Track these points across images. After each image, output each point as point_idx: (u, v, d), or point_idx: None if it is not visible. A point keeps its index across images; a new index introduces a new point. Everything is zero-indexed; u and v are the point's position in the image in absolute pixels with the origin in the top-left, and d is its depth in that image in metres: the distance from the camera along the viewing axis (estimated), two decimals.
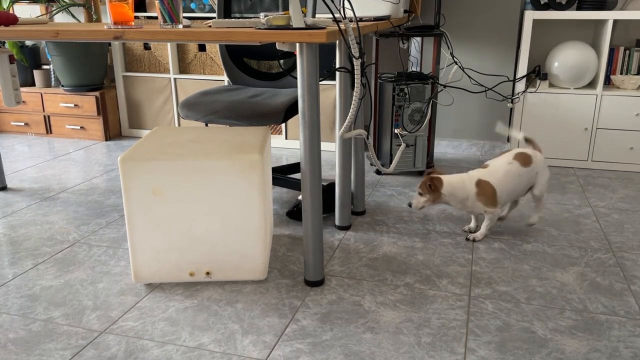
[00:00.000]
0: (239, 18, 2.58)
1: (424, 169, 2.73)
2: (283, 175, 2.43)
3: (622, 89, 2.78)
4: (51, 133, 3.58)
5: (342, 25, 1.50)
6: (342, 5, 1.62)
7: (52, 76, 3.60)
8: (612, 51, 2.85)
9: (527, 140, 2.07)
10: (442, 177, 1.90)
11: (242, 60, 2.56)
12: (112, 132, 3.54)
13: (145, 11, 3.32)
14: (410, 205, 1.90)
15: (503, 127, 2.09)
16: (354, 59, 1.57)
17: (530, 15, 2.70)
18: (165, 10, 1.62)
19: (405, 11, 2.52)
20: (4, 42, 2.46)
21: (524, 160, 1.96)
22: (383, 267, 1.80)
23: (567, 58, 2.74)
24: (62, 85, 3.43)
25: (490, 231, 2.02)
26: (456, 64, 2.86)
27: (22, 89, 3.55)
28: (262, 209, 1.63)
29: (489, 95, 3.04)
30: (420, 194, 1.91)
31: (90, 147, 3.35)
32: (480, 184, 1.90)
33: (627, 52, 2.83)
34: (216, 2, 2.63)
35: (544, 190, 2.01)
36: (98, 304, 1.59)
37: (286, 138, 3.29)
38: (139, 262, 1.65)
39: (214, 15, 3.15)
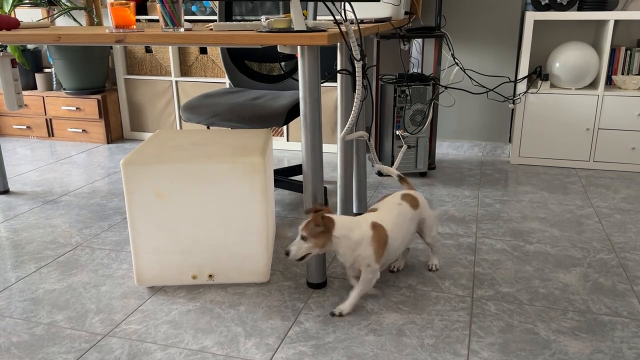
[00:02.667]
0: (240, 21, 2.58)
1: (425, 170, 2.73)
2: (285, 177, 2.43)
3: (624, 89, 2.77)
4: (53, 136, 3.59)
5: (343, 28, 1.50)
6: (343, 7, 1.62)
7: (54, 79, 3.60)
8: (614, 51, 2.84)
9: (401, 179, 1.77)
10: (334, 215, 1.50)
11: (243, 62, 2.56)
12: (114, 135, 3.55)
13: (147, 14, 3.33)
14: (287, 253, 1.45)
15: (383, 165, 1.79)
16: (355, 61, 1.57)
17: (531, 16, 2.70)
18: (166, 14, 1.62)
19: (406, 13, 2.52)
20: (5, 46, 2.47)
21: (412, 201, 1.67)
22: (385, 269, 1.80)
23: (568, 58, 2.74)
24: (64, 89, 3.44)
25: (361, 298, 1.58)
26: (457, 65, 2.86)
27: (24, 93, 3.55)
28: (264, 211, 1.63)
29: (490, 96, 3.04)
30: (304, 238, 1.45)
31: (92, 150, 3.35)
32: (376, 227, 1.53)
33: (629, 52, 2.83)
34: (217, 5, 2.63)
35: (435, 234, 1.76)
36: (101, 307, 1.59)
37: (288, 140, 3.29)
38: (142, 265, 1.66)
39: (215, 18, 3.16)
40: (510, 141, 3.08)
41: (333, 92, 3.09)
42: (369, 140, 1.97)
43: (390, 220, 1.57)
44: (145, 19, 3.32)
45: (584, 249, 1.94)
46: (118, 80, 3.49)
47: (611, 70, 2.88)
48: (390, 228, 1.56)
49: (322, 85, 3.09)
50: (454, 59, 2.77)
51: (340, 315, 1.53)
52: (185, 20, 3.19)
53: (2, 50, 2.34)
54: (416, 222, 1.69)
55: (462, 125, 3.13)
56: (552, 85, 2.88)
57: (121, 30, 1.61)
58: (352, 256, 1.50)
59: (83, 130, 3.51)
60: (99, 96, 3.40)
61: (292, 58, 2.52)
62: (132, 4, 1.65)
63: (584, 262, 1.83)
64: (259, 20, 2.50)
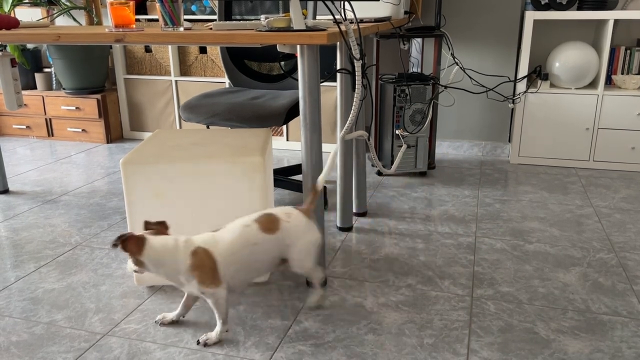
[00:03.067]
0: (239, 20, 2.58)
1: (425, 170, 2.72)
2: (284, 176, 2.43)
3: (624, 89, 2.77)
4: (53, 136, 3.59)
5: (342, 27, 1.50)
6: (342, 6, 1.62)
7: (54, 79, 3.60)
8: (613, 51, 2.84)
9: (314, 189, 1.54)
10: (149, 238, 1.34)
11: (243, 62, 2.56)
12: (114, 135, 3.55)
13: (146, 14, 3.33)
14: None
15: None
16: (354, 61, 1.57)
17: (531, 16, 2.70)
18: (166, 13, 1.62)
19: (405, 12, 2.52)
20: (5, 46, 2.47)
21: (268, 224, 1.42)
22: (385, 268, 1.80)
23: (568, 58, 2.74)
24: (64, 88, 3.44)
25: (224, 323, 1.41)
26: (457, 64, 2.86)
27: (24, 92, 3.55)
28: None
29: (490, 95, 3.03)
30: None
31: (91, 149, 3.35)
32: (197, 253, 1.35)
33: (628, 51, 2.83)
34: (217, 5, 2.63)
35: (308, 265, 1.47)
36: (100, 306, 1.59)
37: (287, 140, 3.29)
38: None
39: (215, 17, 3.16)
40: (510, 141, 3.08)
41: (333, 91, 3.09)
42: (369, 140, 1.97)
43: (225, 242, 1.38)
44: (145, 19, 3.32)
45: (583, 248, 1.94)
46: (118, 80, 3.49)
47: (611, 70, 2.88)
48: (222, 251, 1.37)
49: (321, 84, 3.09)
50: (454, 59, 2.77)
51: (205, 345, 1.39)
52: (185, 20, 3.18)
53: (1, 50, 2.33)
54: (274, 247, 1.43)
55: (462, 125, 3.13)
56: (552, 85, 2.88)
57: (121, 30, 1.61)
58: (178, 285, 1.38)
59: (83, 130, 3.51)
60: (98, 96, 3.40)
61: (292, 57, 2.52)
62: (131, 3, 1.65)
63: (584, 262, 1.83)
64: (259, 19, 2.50)
